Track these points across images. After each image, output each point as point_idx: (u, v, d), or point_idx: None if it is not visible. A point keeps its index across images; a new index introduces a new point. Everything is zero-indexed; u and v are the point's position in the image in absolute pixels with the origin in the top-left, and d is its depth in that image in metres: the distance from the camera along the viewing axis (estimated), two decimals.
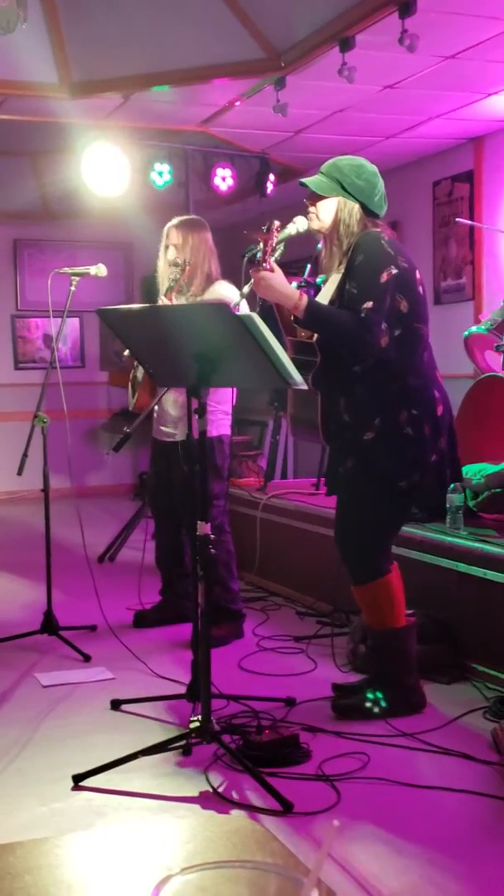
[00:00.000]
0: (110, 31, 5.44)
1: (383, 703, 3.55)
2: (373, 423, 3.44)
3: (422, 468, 3.48)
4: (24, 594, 5.56)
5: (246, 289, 3.48)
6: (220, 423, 4.43)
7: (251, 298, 3.53)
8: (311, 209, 3.51)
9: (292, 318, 3.46)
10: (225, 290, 4.40)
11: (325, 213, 3.48)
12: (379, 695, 3.56)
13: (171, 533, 4.77)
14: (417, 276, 3.48)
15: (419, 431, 3.44)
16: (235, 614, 4.64)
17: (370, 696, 3.56)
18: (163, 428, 4.61)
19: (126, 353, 3.89)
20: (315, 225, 3.51)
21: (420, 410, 3.45)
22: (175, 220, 4.54)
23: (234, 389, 4.25)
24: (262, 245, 3.34)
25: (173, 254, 4.43)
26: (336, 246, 3.48)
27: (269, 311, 3.53)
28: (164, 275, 4.49)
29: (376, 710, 3.54)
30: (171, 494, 4.68)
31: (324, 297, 3.53)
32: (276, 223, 3.37)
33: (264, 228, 3.35)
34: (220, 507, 4.48)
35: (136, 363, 4.55)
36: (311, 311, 3.30)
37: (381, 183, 3.51)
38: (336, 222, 3.46)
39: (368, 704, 3.55)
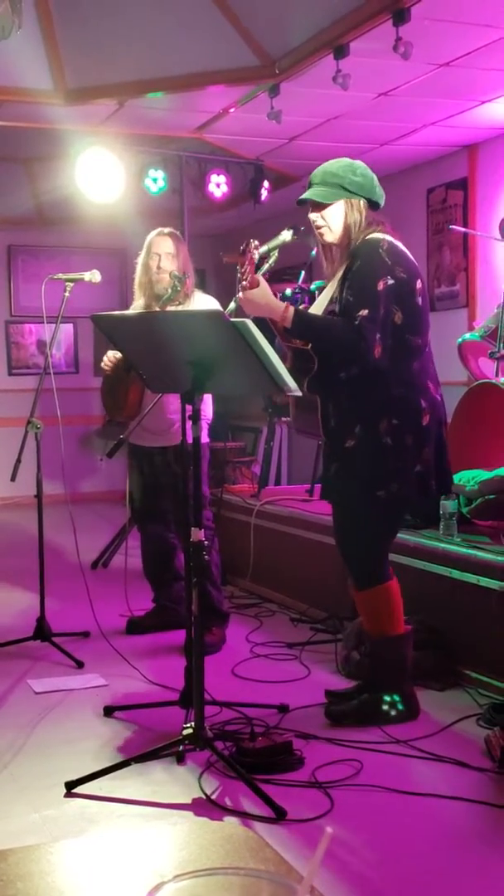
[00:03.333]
0: (105, 38, 5.44)
1: (400, 707, 3.54)
2: (353, 430, 3.43)
3: (401, 478, 3.44)
4: (16, 600, 5.55)
5: (232, 305, 3.46)
6: (203, 430, 4.44)
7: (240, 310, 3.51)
8: (321, 224, 3.46)
9: (284, 328, 3.46)
10: (206, 302, 4.42)
11: (334, 221, 3.44)
12: (396, 697, 3.55)
13: (157, 540, 4.77)
14: (418, 285, 3.43)
15: (399, 441, 3.41)
16: (224, 617, 4.66)
17: (387, 698, 3.55)
18: (144, 433, 4.60)
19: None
20: (329, 238, 3.47)
21: (402, 420, 3.41)
22: (165, 230, 4.55)
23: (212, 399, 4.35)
24: (238, 266, 3.31)
25: (167, 262, 4.43)
26: (346, 247, 3.45)
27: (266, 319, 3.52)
28: (144, 283, 4.50)
29: (393, 713, 3.53)
30: (155, 500, 4.68)
31: (325, 299, 3.51)
32: (254, 242, 3.33)
33: (241, 248, 3.31)
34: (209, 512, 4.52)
35: (113, 372, 4.56)
36: (298, 321, 3.29)
37: (373, 174, 3.50)
38: (347, 227, 3.43)
39: (385, 707, 3.54)
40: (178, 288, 4.28)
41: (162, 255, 4.48)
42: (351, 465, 3.46)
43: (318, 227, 3.48)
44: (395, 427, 3.40)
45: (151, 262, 4.50)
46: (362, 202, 3.44)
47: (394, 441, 3.40)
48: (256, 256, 3.33)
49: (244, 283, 3.27)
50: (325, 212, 3.45)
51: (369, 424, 3.41)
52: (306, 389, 3.40)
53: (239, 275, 3.29)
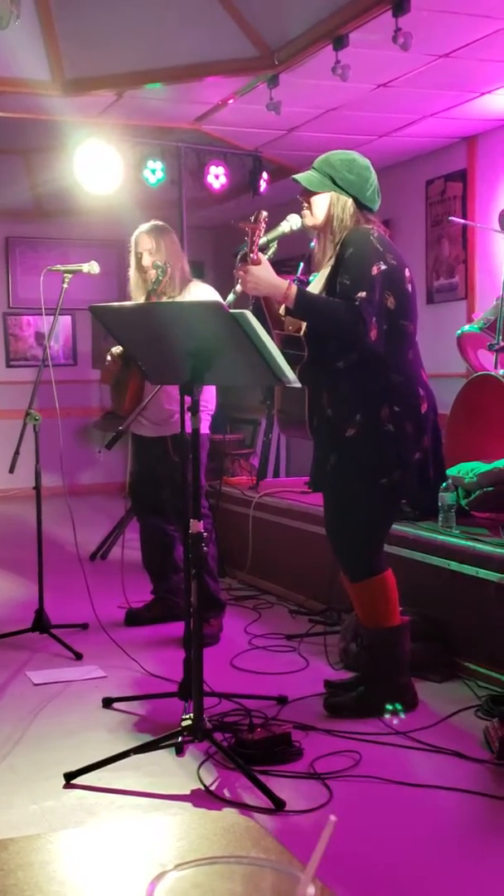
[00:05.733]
0: (103, 28, 5.42)
1: (402, 715, 3.51)
2: (354, 419, 3.43)
3: (403, 465, 3.46)
4: (15, 592, 5.55)
5: (239, 286, 3.46)
6: (204, 421, 4.44)
7: (243, 296, 3.52)
8: (305, 206, 3.51)
9: (281, 309, 3.45)
10: (202, 291, 4.42)
11: (318, 208, 3.48)
12: (398, 706, 3.52)
13: (156, 531, 4.76)
14: (406, 273, 3.46)
15: (401, 428, 3.42)
16: (221, 607, 4.67)
17: (389, 707, 3.51)
18: (144, 422, 4.60)
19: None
20: (309, 221, 3.51)
21: (402, 407, 3.43)
22: (144, 227, 4.55)
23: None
24: (249, 235, 3.31)
25: (148, 259, 4.44)
26: (329, 241, 3.47)
27: (257, 304, 3.52)
28: (137, 282, 4.50)
29: (395, 721, 3.49)
30: (154, 491, 4.67)
31: (313, 290, 3.51)
32: (264, 213, 3.34)
33: (252, 218, 3.31)
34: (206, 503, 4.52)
35: (115, 368, 4.57)
36: (301, 300, 3.29)
37: (373, 177, 3.50)
38: (329, 217, 3.46)
39: (388, 716, 3.51)
40: (161, 277, 4.29)
41: (143, 252, 4.48)
42: (352, 454, 3.46)
43: (303, 210, 3.52)
44: (396, 414, 3.41)
45: (136, 260, 4.51)
46: (349, 201, 3.44)
47: (395, 428, 3.41)
48: (263, 234, 3.33)
49: (251, 256, 3.27)
50: (313, 198, 3.49)
51: (371, 412, 3.41)
52: (297, 378, 3.40)
53: (247, 245, 3.29)
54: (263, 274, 3.29)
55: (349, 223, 3.43)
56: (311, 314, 3.36)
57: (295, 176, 3.53)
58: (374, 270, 3.32)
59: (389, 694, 3.57)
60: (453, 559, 4.07)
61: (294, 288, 3.27)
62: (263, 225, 3.33)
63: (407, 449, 3.45)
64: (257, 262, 3.29)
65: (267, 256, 3.39)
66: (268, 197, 7.13)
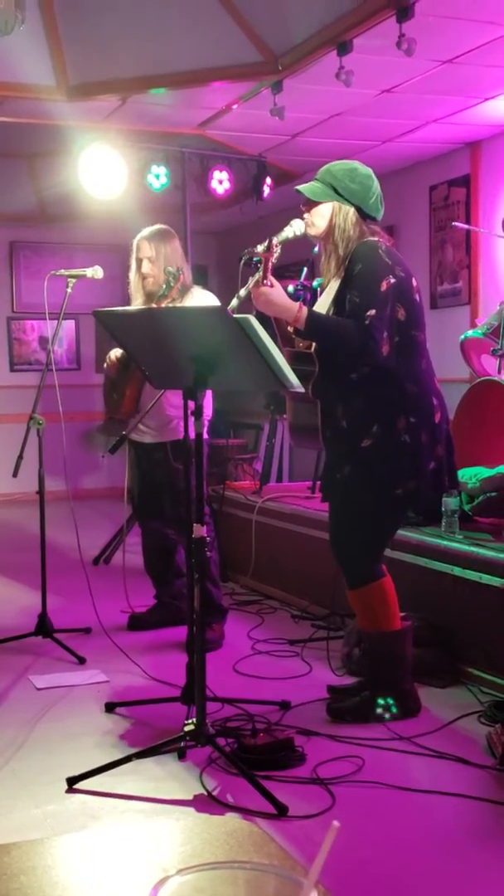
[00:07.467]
0: (108, 34, 5.44)
1: (394, 710, 3.53)
2: (370, 430, 3.44)
3: (419, 475, 3.47)
4: (18, 596, 5.55)
5: (242, 292, 3.47)
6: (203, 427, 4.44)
7: (246, 301, 3.52)
8: (307, 216, 3.51)
9: (292, 329, 3.46)
10: (204, 297, 4.41)
11: (320, 218, 3.48)
12: (390, 700, 3.54)
13: (158, 536, 4.76)
14: (414, 283, 3.48)
15: (416, 439, 3.43)
16: (224, 613, 4.66)
17: (381, 701, 3.54)
18: (143, 429, 4.59)
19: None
20: (311, 231, 3.51)
21: (418, 418, 3.44)
22: (145, 232, 4.52)
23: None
24: (262, 262, 3.34)
25: (147, 266, 4.43)
26: (333, 251, 3.47)
27: (267, 320, 3.53)
28: (137, 284, 4.49)
29: (387, 716, 3.53)
30: (154, 496, 4.67)
31: (322, 305, 3.53)
32: (276, 240, 3.38)
33: (264, 246, 3.35)
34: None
35: (112, 371, 4.56)
36: (311, 321, 3.30)
37: (376, 185, 3.50)
38: (331, 227, 3.46)
39: (379, 710, 3.53)
40: (173, 284, 4.28)
41: (143, 259, 4.47)
42: (369, 465, 3.46)
43: (305, 220, 3.53)
44: (412, 425, 3.42)
45: (136, 264, 4.51)
46: (351, 210, 3.45)
47: (411, 439, 3.42)
48: (274, 258, 3.35)
49: (265, 281, 3.29)
50: (315, 208, 3.49)
51: (387, 423, 3.42)
52: (311, 394, 3.41)
53: (261, 272, 3.30)
54: (275, 298, 3.32)
55: (352, 233, 3.43)
56: (322, 336, 3.37)
57: (297, 187, 3.53)
58: (384, 286, 3.33)
59: (392, 700, 3.56)
60: (456, 564, 4.07)
61: (304, 311, 3.29)
62: (275, 251, 3.35)
63: (422, 459, 3.46)
64: (270, 286, 3.31)
65: (272, 260, 3.40)
66: (271, 202, 7.15)
